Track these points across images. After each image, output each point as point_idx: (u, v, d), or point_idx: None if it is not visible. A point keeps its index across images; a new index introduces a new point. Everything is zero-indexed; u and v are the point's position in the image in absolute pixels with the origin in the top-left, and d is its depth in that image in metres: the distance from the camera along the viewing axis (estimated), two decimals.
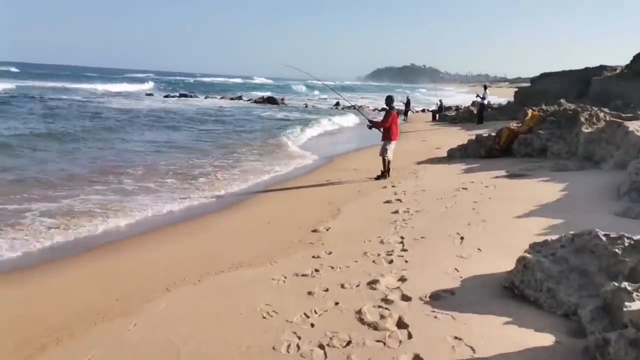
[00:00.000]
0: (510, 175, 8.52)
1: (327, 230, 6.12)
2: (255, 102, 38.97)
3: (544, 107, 12.56)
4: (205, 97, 43.11)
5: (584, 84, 20.37)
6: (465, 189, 7.79)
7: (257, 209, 7.69)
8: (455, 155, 12.21)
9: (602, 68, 20.85)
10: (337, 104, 39.90)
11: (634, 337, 2.33)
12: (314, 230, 6.12)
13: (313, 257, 5.01)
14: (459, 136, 18.06)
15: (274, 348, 3.09)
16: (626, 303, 2.48)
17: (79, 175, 9.44)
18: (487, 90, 21.36)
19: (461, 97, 54.46)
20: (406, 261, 4.60)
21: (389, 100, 9.70)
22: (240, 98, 43.42)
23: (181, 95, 42.64)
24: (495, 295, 3.63)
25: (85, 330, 3.57)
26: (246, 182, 9.59)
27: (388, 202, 7.44)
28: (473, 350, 2.90)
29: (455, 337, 3.04)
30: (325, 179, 9.96)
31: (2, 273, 4.92)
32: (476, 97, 22.06)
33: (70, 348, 3.31)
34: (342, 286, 4.06)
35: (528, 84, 28.69)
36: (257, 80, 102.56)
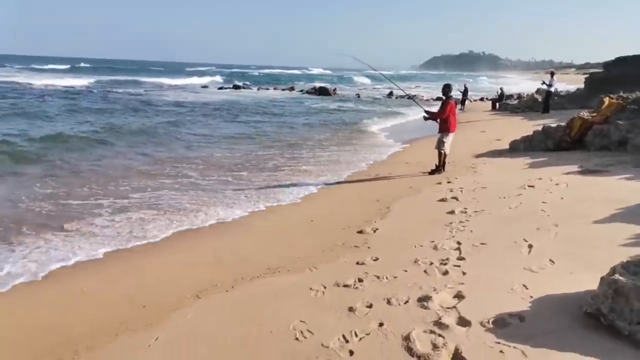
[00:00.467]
0: (585, 171, 7.56)
1: (375, 231, 5.60)
2: (307, 92, 38.66)
3: (622, 94, 11.23)
4: (258, 89, 43.38)
5: None
6: (532, 186, 6.96)
7: (302, 205, 7.28)
8: (519, 147, 11.22)
9: None
10: (391, 93, 38.93)
11: None
12: (360, 232, 5.62)
13: (357, 263, 4.52)
14: (522, 126, 16.81)
15: None
16: None
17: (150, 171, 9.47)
18: (554, 76, 19.74)
19: (524, 85, 51.51)
20: (464, 273, 4.00)
21: (446, 88, 8.94)
22: (292, 89, 43.32)
23: (235, 87, 43.14)
24: (576, 324, 2.97)
25: (106, 342, 3.30)
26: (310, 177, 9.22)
27: (443, 200, 6.79)
28: None
29: None
30: (375, 173, 9.40)
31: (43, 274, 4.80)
32: (542, 84, 20.45)
33: None
34: (389, 302, 3.54)
35: (600, 70, 26.38)
36: (314, 70, 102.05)
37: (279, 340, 3.09)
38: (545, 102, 19.71)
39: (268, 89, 43.62)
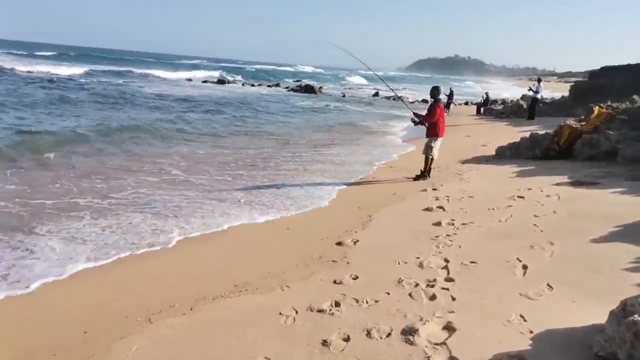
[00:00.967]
0: (575, 183, 7.24)
1: (355, 243, 5.14)
2: (293, 90, 38.10)
3: (612, 104, 11.01)
4: (243, 84, 42.63)
5: None
6: (522, 197, 6.60)
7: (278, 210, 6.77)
8: (505, 154, 10.93)
9: None
10: (377, 93, 38.71)
11: None
12: (339, 243, 5.15)
13: (335, 282, 4.05)
14: (507, 132, 16.60)
15: None
16: None
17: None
18: (541, 83, 19.63)
19: (508, 91, 51.94)
20: (453, 298, 3.56)
21: (435, 91, 8.53)
22: (277, 85, 42.72)
23: (219, 81, 42.27)
24: None
25: None
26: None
27: (428, 209, 6.37)
28: None
29: None
30: (357, 177, 8.94)
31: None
32: (529, 90, 20.33)
33: None
34: (369, 334, 3.07)
35: (580, 79, 26.55)
36: (305, 68, 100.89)
37: None
38: (531, 108, 19.58)
39: (253, 85, 42.88)
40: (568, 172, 8.21)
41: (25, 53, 60.65)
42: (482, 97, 27.85)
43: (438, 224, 5.63)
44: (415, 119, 8.61)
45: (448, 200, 6.81)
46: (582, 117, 12.14)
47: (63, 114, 15.15)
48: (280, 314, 3.44)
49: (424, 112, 8.92)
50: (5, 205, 6.06)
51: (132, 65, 55.93)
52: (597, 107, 10.42)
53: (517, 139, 13.09)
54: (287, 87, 40.10)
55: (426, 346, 2.87)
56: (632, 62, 21.46)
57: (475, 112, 25.67)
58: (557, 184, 7.32)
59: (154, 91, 26.47)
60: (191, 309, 3.63)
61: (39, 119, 13.42)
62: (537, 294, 3.54)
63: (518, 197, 6.61)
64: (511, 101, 28.91)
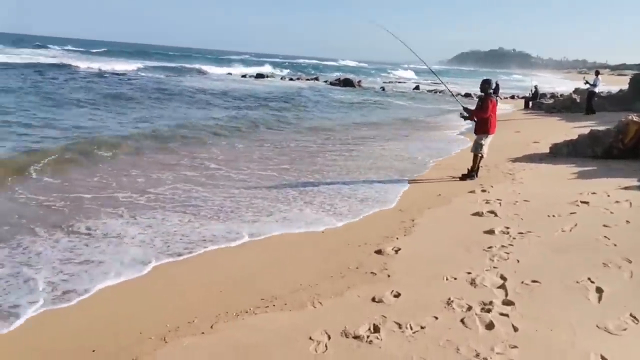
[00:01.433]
0: None
1: (396, 252, 4.62)
2: (331, 83, 37.60)
3: None
4: (281, 78, 42.49)
5: None
6: (586, 203, 5.86)
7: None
8: (561, 152, 10.03)
9: None
10: (417, 87, 37.78)
11: None
12: (379, 252, 4.65)
13: (373, 299, 3.56)
14: (560, 128, 15.52)
15: None
16: None
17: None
18: (599, 76, 18.24)
19: (558, 84, 49.46)
20: (515, 328, 3.00)
21: (486, 84, 7.80)
22: (316, 79, 42.31)
23: (258, 76, 42.29)
24: None
25: None
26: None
27: (478, 214, 5.76)
28: None
29: None
30: (398, 175, 8.38)
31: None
32: (585, 83, 18.96)
33: None
34: None
35: (637, 71, 24.59)
36: (348, 62, 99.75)
37: None
38: (589, 102, 18.25)
39: (292, 78, 42.66)
40: (637, 174, 7.33)
41: (82, 49, 62.79)
42: (531, 90, 26.38)
43: (490, 232, 5.03)
44: (465, 113, 7.94)
45: (500, 204, 6.16)
46: None
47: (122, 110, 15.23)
48: (310, 338, 3.00)
49: (472, 107, 8.23)
50: (52, 200, 5.91)
51: (181, 61, 56.62)
52: None
53: (573, 136, 12.14)
54: (325, 81, 39.63)
55: None
56: None
57: (523, 107, 24.35)
58: (626, 188, 6.51)
59: (195, 85, 26.65)
60: (211, 327, 3.24)
61: (107, 116, 13.50)
62: (618, 328, 2.93)
63: (582, 202, 5.89)
64: (561, 95, 27.33)
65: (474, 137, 8.11)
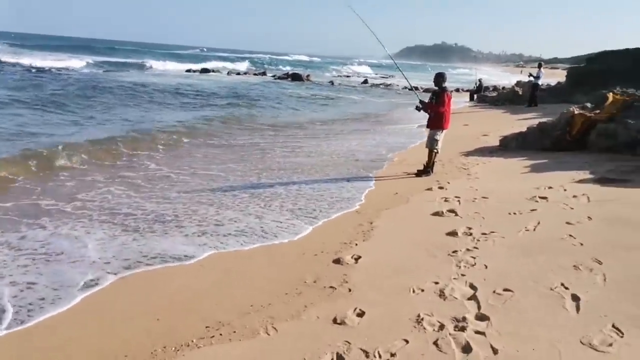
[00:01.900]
0: (602, 180, 6.41)
1: (356, 261, 4.24)
2: (280, 78, 36.98)
3: (627, 90, 10.19)
4: (228, 73, 41.25)
5: None
6: (545, 198, 5.74)
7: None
8: (511, 145, 10.08)
9: None
10: (366, 81, 37.97)
11: None
12: (337, 261, 4.25)
13: (335, 321, 3.15)
14: (507, 121, 15.85)
15: None
16: None
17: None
18: (541, 68, 18.80)
19: (498, 77, 51.28)
20: (494, 350, 2.68)
21: (440, 78, 7.57)
22: (264, 74, 41.47)
23: (203, 71, 40.84)
24: None
25: None
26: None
27: (438, 214, 5.49)
28: None
29: None
30: (351, 172, 8.03)
31: None
32: (529, 76, 19.51)
33: None
34: None
35: (567, 65, 25.90)
36: (297, 57, 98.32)
37: None
38: (532, 94, 18.77)
39: (239, 73, 41.57)
40: (587, 166, 7.38)
41: (18, 43, 57.89)
42: (475, 83, 27.01)
43: (453, 233, 4.75)
44: (420, 105, 7.66)
45: (459, 202, 5.93)
46: (586, 104, 11.36)
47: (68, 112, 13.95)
48: None
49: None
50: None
51: (127, 55, 53.56)
52: (611, 94, 9.60)
53: (518, 128, 12.29)
54: (274, 76, 38.93)
55: None
56: (618, 47, 20.80)
57: (468, 99, 24.86)
58: (581, 181, 6.48)
59: (135, 80, 25.21)
60: None
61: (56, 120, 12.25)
62: (604, 343, 2.68)
63: (540, 197, 5.76)
64: (504, 88, 28.16)
65: (428, 131, 7.90)
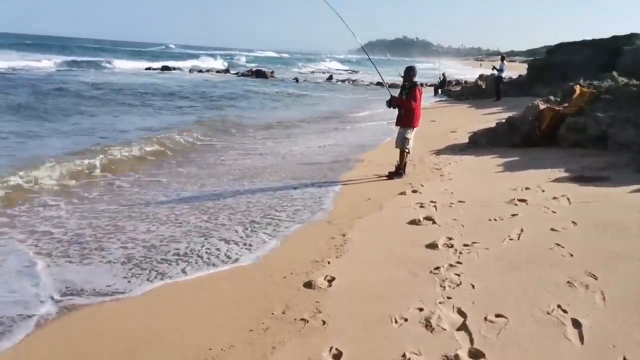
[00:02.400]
0: (578, 179, 6.19)
1: (330, 283, 3.79)
2: (243, 75, 36.13)
3: (593, 82, 10.15)
4: (190, 71, 39.98)
5: (611, 55, 17.93)
6: (524, 201, 5.45)
7: None
8: (480, 142, 9.87)
9: (634, 36, 18.38)
10: (331, 77, 37.69)
11: None
12: (309, 285, 3.79)
13: None
14: (473, 116, 15.81)
15: None
16: None
17: None
18: (504, 61, 18.86)
19: (460, 71, 52.04)
20: None
21: (411, 72, 7.19)
22: (227, 71, 40.44)
23: (163, 68, 39.42)
24: None
25: None
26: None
27: (415, 222, 5.11)
28: None
29: None
30: (319, 175, 7.59)
31: None
32: (492, 69, 19.58)
33: None
34: None
35: (523, 58, 26.33)
36: (265, 53, 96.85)
37: None
38: (497, 88, 18.82)
39: (201, 70, 40.37)
40: (560, 163, 7.20)
41: None
42: (439, 77, 27.09)
43: (433, 245, 4.37)
44: (392, 102, 7.23)
45: (435, 207, 5.58)
46: (550, 97, 11.33)
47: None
48: None
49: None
50: None
51: (89, 54, 51.10)
52: (578, 86, 9.52)
53: (485, 123, 12.19)
54: (236, 73, 38.02)
55: None
56: (571, 39, 21.22)
57: (433, 94, 24.88)
58: (557, 180, 6.25)
59: (91, 80, 23.93)
60: None
61: None
62: None
63: (519, 200, 5.47)
64: (466, 82, 28.37)
65: (397, 129, 7.52)
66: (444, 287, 3.53)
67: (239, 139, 11.34)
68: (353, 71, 50.83)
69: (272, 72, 37.04)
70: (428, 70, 44.69)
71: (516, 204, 5.36)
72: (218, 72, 40.01)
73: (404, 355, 2.71)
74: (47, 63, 34.64)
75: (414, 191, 6.44)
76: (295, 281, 3.90)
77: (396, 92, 7.53)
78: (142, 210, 5.75)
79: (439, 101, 22.41)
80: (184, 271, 4.17)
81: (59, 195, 6.28)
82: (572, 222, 4.59)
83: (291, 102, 20.62)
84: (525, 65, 27.95)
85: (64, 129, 11.23)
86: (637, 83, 8.63)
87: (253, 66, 44.48)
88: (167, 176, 7.47)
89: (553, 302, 3.15)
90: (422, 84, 32.19)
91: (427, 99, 22.44)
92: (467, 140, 10.20)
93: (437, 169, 7.80)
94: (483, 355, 2.66)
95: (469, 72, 45.78)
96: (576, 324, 2.88)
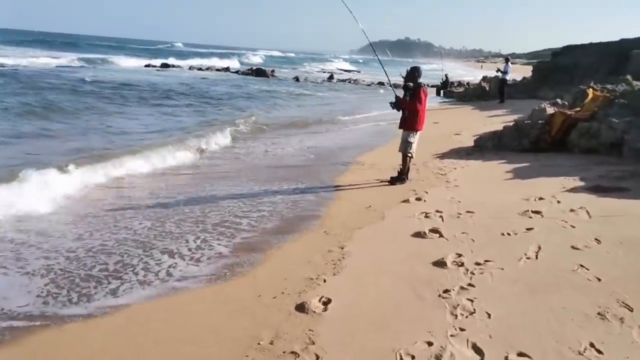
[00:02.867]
0: (597, 189, 5.75)
1: (325, 306, 3.35)
2: (243, 73, 35.63)
3: (607, 86, 9.72)
4: (189, 68, 39.50)
5: (619, 57, 17.50)
6: (538, 213, 5.01)
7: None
8: (486, 146, 9.43)
9: None
10: (331, 76, 37.23)
11: None
12: (301, 308, 3.35)
13: None
14: (478, 118, 15.37)
15: None
16: None
17: None
18: (509, 63, 18.42)
19: (462, 72, 51.64)
20: None
21: (415, 72, 6.75)
22: (227, 70, 39.96)
23: (163, 65, 38.98)
24: None
25: None
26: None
27: (420, 235, 4.66)
28: None
29: None
30: (317, 180, 7.15)
31: None
32: (497, 72, 19.14)
33: None
34: None
35: (525, 60, 26.00)
36: (271, 52, 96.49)
37: None
38: (501, 90, 18.38)
39: (200, 68, 39.87)
40: (574, 170, 6.76)
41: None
42: (442, 79, 26.62)
43: (441, 263, 3.93)
44: (396, 103, 6.77)
45: (442, 218, 5.14)
46: (557, 100, 10.91)
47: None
48: None
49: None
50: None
51: (95, 51, 50.74)
52: (591, 90, 9.09)
53: (490, 126, 11.76)
54: (237, 71, 37.54)
55: None
56: (576, 42, 20.85)
57: (435, 95, 24.43)
58: (572, 190, 5.81)
59: (90, 76, 23.45)
60: None
61: None
62: None
63: (533, 212, 5.02)
64: (468, 84, 27.89)
65: (400, 132, 7.09)
66: (456, 316, 3.09)
67: (233, 137, 10.90)
68: (356, 71, 50.41)
69: (272, 71, 36.54)
70: (432, 71, 44.32)
71: (530, 217, 4.92)
72: (218, 70, 39.54)
73: None
74: (49, 60, 34.22)
75: (418, 199, 6.00)
76: (287, 302, 3.46)
77: (398, 93, 7.10)
78: (130, 223, 5.30)
79: (442, 102, 21.97)
80: (166, 283, 3.73)
81: None
82: (596, 239, 4.15)
83: (289, 101, 20.14)
84: (527, 68, 27.59)
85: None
86: None
87: (258, 64, 44.15)
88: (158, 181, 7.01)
89: (584, 338, 2.71)
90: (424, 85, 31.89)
91: (431, 100, 22.11)
92: (472, 144, 9.77)
93: (442, 174, 7.36)
94: None
95: (470, 74, 45.40)
96: None
